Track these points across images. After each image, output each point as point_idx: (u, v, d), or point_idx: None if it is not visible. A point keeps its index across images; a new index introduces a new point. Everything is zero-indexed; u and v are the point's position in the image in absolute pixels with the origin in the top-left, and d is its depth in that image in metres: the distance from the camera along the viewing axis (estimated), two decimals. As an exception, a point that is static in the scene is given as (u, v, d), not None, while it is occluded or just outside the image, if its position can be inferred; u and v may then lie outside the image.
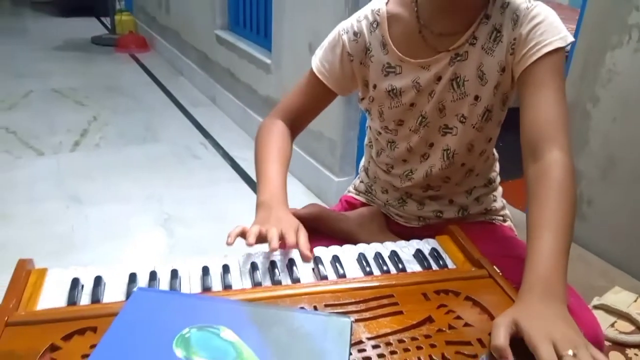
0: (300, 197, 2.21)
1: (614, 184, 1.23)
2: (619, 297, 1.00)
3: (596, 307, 0.98)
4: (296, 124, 0.97)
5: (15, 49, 4.41)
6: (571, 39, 0.79)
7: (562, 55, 0.78)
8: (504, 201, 1.05)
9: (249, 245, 0.70)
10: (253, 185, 2.38)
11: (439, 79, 0.86)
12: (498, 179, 1.03)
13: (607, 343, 0.91)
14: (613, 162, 1.21)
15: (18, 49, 4.40)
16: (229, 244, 0.71)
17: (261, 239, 0.73)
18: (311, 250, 0.73)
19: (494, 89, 0.85)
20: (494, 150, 0.99)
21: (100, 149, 2.69)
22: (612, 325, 0.96)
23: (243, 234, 0.73)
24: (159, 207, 2.16)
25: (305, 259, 0.72)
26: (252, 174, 2.45)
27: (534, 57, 0.78)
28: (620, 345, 0.91)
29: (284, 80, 2.47)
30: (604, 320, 0.96)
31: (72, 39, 4.87)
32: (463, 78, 0.85)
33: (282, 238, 0.73)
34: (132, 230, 2.00)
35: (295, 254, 0.73)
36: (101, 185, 2.30)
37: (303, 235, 0.75)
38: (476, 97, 0.86)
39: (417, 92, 0.88)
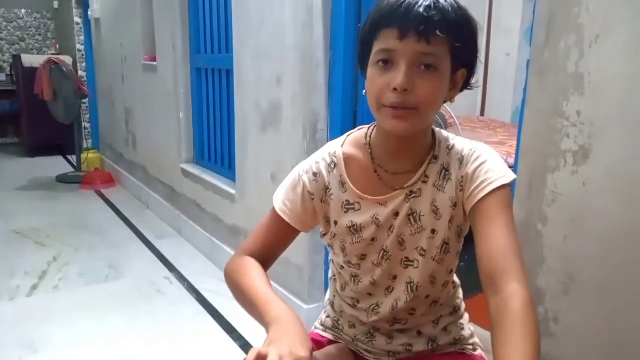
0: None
1: (577, 299, 1.24)
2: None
3: None
4: (263, 261, 0.98)
5: (-23, 191, 4.38)
6: (513, 176, 0.85)
7: (508, 189, 0.84)
8: (472, 328, 1.05)
9: None
10: (219, 318, 2.30)
11: (397, 214, 0.90)
12: (463, 306, 1.04)
13: None
14: (572, 277, 1.24)
15: (-19, 191, 4.37)
16: None
17: None
18: None
19: (448, 223, 0.89)
20: (455, 278, 1.01)
21: (59, 290, 2.58)
22: None
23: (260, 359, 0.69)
24: (121, 348, 2.04)
25: None
26: (218, 307, 2.38)
27: (482, 194, 0.83)
28: None
29: (248, 208, 2.51)
30: None
31: (37, 178, 4.89)
32: (419, 213, 0.89)
33: None
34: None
35: None
36: (58, 330, 2.17)
37: None
38: (433, 231, 0.90)
39: (377, 227, 0.91)
